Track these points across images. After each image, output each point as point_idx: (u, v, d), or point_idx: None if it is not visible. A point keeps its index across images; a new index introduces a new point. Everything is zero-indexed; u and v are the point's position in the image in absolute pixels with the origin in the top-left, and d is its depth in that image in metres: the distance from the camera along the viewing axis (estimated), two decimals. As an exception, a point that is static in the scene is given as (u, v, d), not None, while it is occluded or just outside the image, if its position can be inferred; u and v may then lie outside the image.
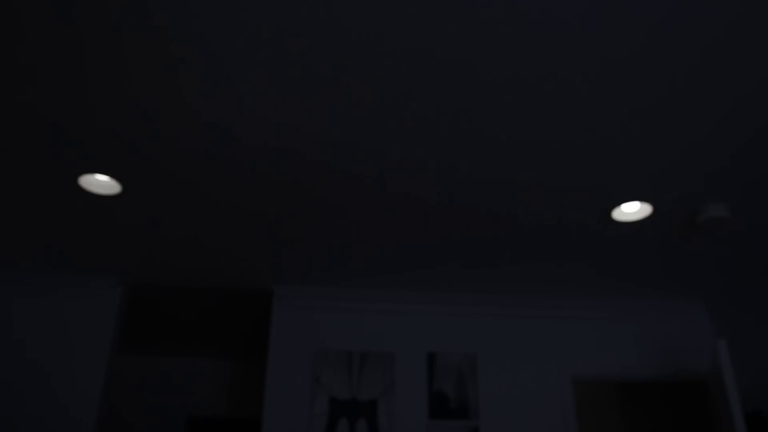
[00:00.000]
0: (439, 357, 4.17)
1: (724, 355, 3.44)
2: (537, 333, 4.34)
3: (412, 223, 3.29)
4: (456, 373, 4.14)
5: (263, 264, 3.83)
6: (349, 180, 2.87)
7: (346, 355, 4.08)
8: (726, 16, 1.93)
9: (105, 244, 3.57)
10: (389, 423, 3.94)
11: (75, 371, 3.87)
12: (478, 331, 4.30)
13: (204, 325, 5.35)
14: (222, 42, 2.03)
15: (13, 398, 3.77)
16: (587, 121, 2.45)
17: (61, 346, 3.92)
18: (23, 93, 2.29)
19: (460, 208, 3.13)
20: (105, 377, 3.88)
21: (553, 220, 3.24)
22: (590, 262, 3.77)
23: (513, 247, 3.57)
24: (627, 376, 4.27)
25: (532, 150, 2.64)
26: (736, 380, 4.18)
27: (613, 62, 2.12)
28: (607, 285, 4.14)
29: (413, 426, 3.97)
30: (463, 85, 2.23)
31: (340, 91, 2.27)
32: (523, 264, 3.80)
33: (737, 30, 1.98)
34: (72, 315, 4.00)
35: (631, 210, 3.11)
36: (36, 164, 2.76)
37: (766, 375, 3.93)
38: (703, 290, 4.22)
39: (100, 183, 2.90)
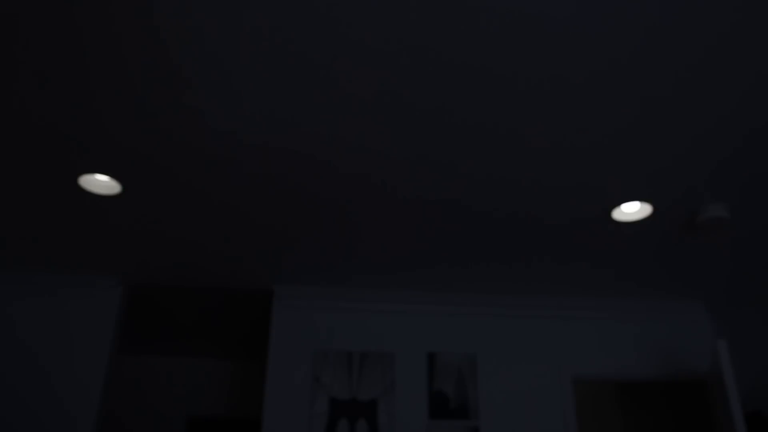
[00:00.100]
0: (439, 357, 4.17)
1: (724, 355, 3.44)
2: (537, 333, 4.34)
3: (412, 223, 3.29)
4: (456, 373, 4.14)
5: (263, 264, 3.83)
6: (350, 180, 2.87)
7: (346, 355, 4.08)
8: (726, 16, 1.93)
9: (105, 244, 3.57)
10: (389, 423, 3.94)
11: (75, 371, 3.87)
12: (478, 331, 4.30)
13: (204, 325, 5.35)
14: (222, 42, 2.03)
15: (13, 398, 3.77)
16: (587, 121, 2.45)
17: (61, 345, 3.92)
18: (23, 93, 2.29)
19: (461, 208, 3.13)
20: (105, 377, 3.88)
21: (553, 220, 3.24)
22: (590, 262, 3.77)
23: (513, 247, 3.57)
24: (627, 376, 4.27)
25: (532, 150, 2.64)
26: (736, 380, 4.18)
27: (614, 62, 2.12)
28: (607, 285, 4.14)
29: (413, 426, 3.97)
30: (463, 84, 2.23)
31: (340, 91, 2.27)
32: (523, 264, 3.80)
33: (737, 29, 1.98)
34: (72, 315, 4.00)
35: (631, 210, 3.11)
36: (36, 164, 2.76)
37: (766, 375, 3.93)
38: (703, 290, 4.22)
39: (100, 183, 2.90)
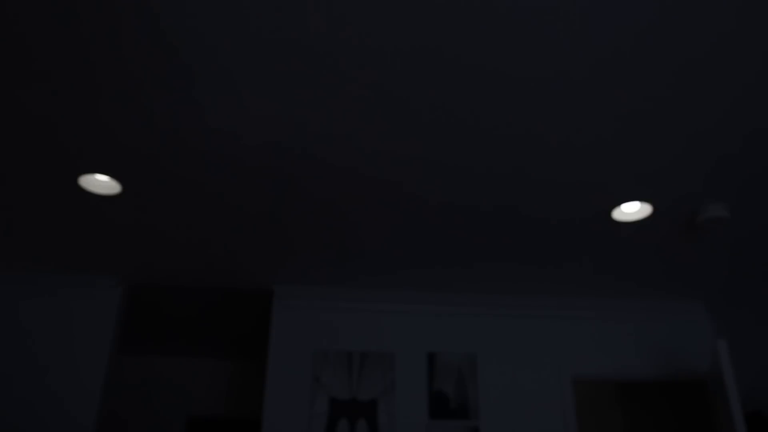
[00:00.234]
0: (439, 357, 4.17)
1: (724, 355, 3.44)
2: (537, 333, 4.34)
3: (412, 223, 3.29)
4: (456, 373, 4.14)
5: (263, 264, 3.83)
6: (350, 180, 2.87)
7: (346, 355, 4.08)
8: (726, 15, 1.93)
9: (105, 244, 3.57)
10: (389, 423, 3.94)
11: (75, 371, 3.87)
12: (478, 331, 4.30)
13: (204, 325, 5.35)
14: (223, 41, 2.03)
15: (13, 398, 3.77)
16: (587, 121, 2.45)
17: (62, 345, 3.92)
18: (24, 93, 2.29)
19: (461, 208, 3.13)
20: (105, 377, 3.88)
21: (553, 221, 3.24)
22: (590, 262, 3.76)
23: (513, 247, 3.57)
24: (627, 376, 4.27)
25: (531, 150, 2.64)
26: (736, 380, 4.18)
27: (614, 61, 2.12)
28: (608, 285, 4.14)
29: (413, 426, 3.97)
30: (462, 84, 2.23)
31: (341, 91, 2.27)
32: (523, 264, 3.80)
33: (737, 28, 1.98)
34: (72, 315, 4.00)
35: (631, 210, 3.11)
36: (36, 164, 2.75)
37: (766, 375, 3.93)
38: (703, 290, 4.22)
39: (100, 183, 2.90)
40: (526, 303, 4.38)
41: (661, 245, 3.51)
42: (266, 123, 2.45)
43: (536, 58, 2.10)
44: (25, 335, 3.92)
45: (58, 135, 2.54)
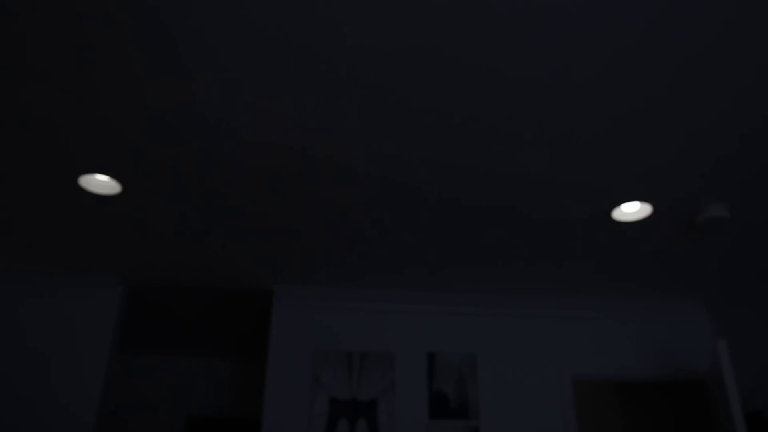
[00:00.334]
0: (439, 357, 4.17)
1: (724, 355, 3.44)
2: (537, 333, 4.34)
3: (412, 223, 3.29)
4: (456, 373, 4.14)
5: (263, 264, 3.83)
6: (350, 179, 2.87)
7: (346, 355, 4.08)
8: (725, 14, 1.93)
9: (105, 244, 3.57)
10: (389, 423, 3.94)
11: (75, 371, 3.87)
12: (478, 331, 4.30)
13: (204, 325, 5.35)
14: (224, 40, 2.03)
15: (14, 398, 3.77)
16: (587, 121, 2.45)
17: (62, 345, 3.92)
18: (24, 93, 2.29)
19: (460, 208, 3.13)
20: (105, 377, 3.88)
21: (553, 220, 3.24)
22: (590, 262, 3.76)
23: (513, 247, 3.57)
24: (627, 376, 4.27)
25: (531, 150, 2.64)
26: (736, 380, 4.18)
27: (613, 61, 2.12)
28: (607, 285, 4.14)
29: (413, 426, 3.97)
30: (462, 83, 2.23)
31: (342, 91, 2.27)
32: (523, 264, 3.80)
33: (735, 28, 1.98)
34: (72, 315, 4.00)
35: (631, 210, 3.11)
36: (36, 164, 2.76)
37: (766, 375, 3.93)
38: (703, 290, 4.22)
39: (100, 183, 2.91)
40: (526, 303, 4.38)
41: (661, 245, 3.51)
42: (266, 123, 2.45)
43: (536, 58, 2.10)
44: (25, 335, 3.92)
45: (58, 135, 2.54)
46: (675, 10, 1.90)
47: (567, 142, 2.58)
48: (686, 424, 5.53)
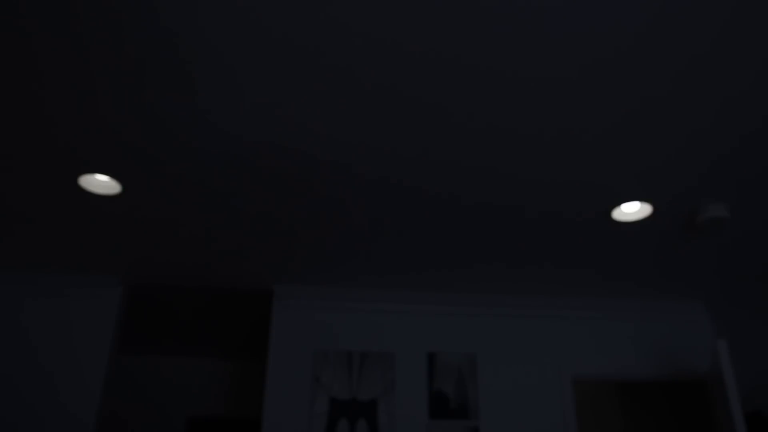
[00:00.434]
0: (439, 357, 4.17)
1: (724, 355, 3.44)
2: (537, 333, 4.34)
3: (412, 223, 3.29)
4: (456, 373, 4.14)
5: (263, 264, 3.83)
6: (350, 179, 2.87)
7: (346, 355, 4.08)
8: (725, 14, 1.93)
9: (105, 244, 3.57)
10: (389, 423, 3.94)
11: (75, 371, 3.87)
12: (478, 331, 4.30)
13: (204, 325, 5.35)
14: (224, 39, 2.03)
15: (14, 398, 3.77)
16: (587, 121, 2.45)
17: (62, 345, 3.92)
18: (24, 93, 2.29)
19: (460, 208, 3.13)
20: (105, 377, 3.88)
21: (553, 220, 3.24)
22: (590, 262, 3.77)
23: (513, 247, 3.57)
24: (627, 376, 4.27)
25: (532, 150, 2.64)
26: (736, 380, 4.18)
27: (613, 61, 2.12)
28: (607, 285, 4.14)
29: (413, 426, 3.97)
30: (462, 82, 2.23)
31: (343, 90, 2.27)
32: (523, 264, 3.80)
33: (735, 28, 1.98)
34: (72, 315, 4.00)
35: (631, 210, 3.11)
36: (36, 164, 2.76)
37: (766, 375, 3.93)
38: (703, 290, 4.22)
39: (100, 183, 2.91)
40: (526, 303, 4.38)
41: (661, 245, 3.51)
42: (266, 123, 2.45)
43: (535, 58, 2.10)
44: (25, 335, 3.92)
45: (58, 135, 2.54)
46: (675, 10, 1.90)
47: (567, 142, 2.58)
48: (686, 424, 5.53)
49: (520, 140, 2.57)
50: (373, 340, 4.18)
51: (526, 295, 4.36)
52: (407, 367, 4.13)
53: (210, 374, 6.40)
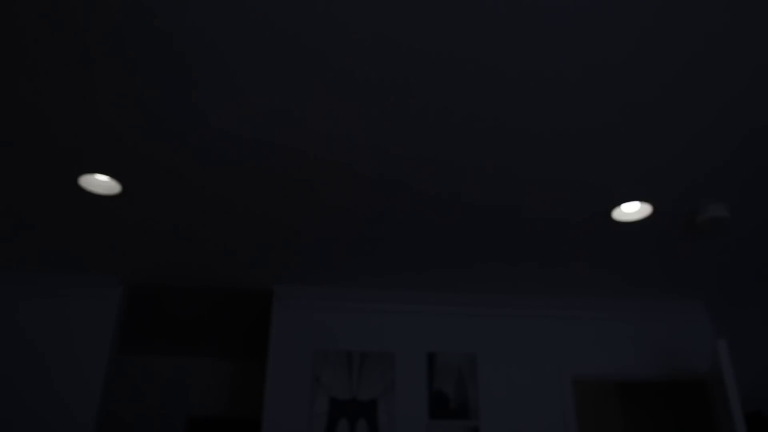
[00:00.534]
0: (439, 357, 4.17)
1: (724, 355, 3.44)
2: (537, 333, 4.34)
3: (412, 223, 3.29)
4: (456, 373, 4.14)
5: (263, 264, 3.83)
6: (350, 179, 2.87)
7: (346, 355, 4.08)
8: (725, 14, 1.93)
9: (105, 244, 3.57)
10: (389, 423, 3.94)
11: (75, 371, 3.87)
12: (478, 331, 4.30)
13: (204, 325, 5.35)
14: (225, 39, 2.03)
15: (14, 398, 3.77)
16: (587, 121, 2.45)
17: (62, 345, 3.92)
18: (24, 92, 2.29)
19: (460, 208, 3.13)
20: (105, 377, 3.88)
21: (553, 221, 3.24)
22: (590, 262, 3.77)
23: (513, 247, 3.57)
24: (627, 376, 4.27)
25: (532, 150, 2.64)
26: (736, 380, 4.18)
27: (613, 60, 2.12)
28: (607, 285, 4.14)
29: (413, 426, 3.97)
30: (462, 82, 2.23)
31: (342, 90, 2.27)
32: (523, 264, 3.80)
33: (736, 27, 1.98)
34: (72, 315, 4.00)
35: (631, 210, 3.11)
36: (36, 164, 2.76)
37: (766, 375, 3.93)
38: (703, 290, 4.22)
39: (100, 183, 2.91)
40: (526, 303, 4.38)
41: (660, 245, 3.51)
42: (266, 122, 2.45)
43: (535, 57, 2.10)
44: (25, 335, 3.92)
45: (58, 135, 2.54)
46: (674, 10, 1.90)
47: (567, 141, 2.57)
48: (686, 424, 5.53)
49: (520, 140, 2.57)
50: (373, 340, 4.18)
51: (526, 295, 4.36)
52: (407, 367, 4.13)
53: (210, 374, 6.40)
